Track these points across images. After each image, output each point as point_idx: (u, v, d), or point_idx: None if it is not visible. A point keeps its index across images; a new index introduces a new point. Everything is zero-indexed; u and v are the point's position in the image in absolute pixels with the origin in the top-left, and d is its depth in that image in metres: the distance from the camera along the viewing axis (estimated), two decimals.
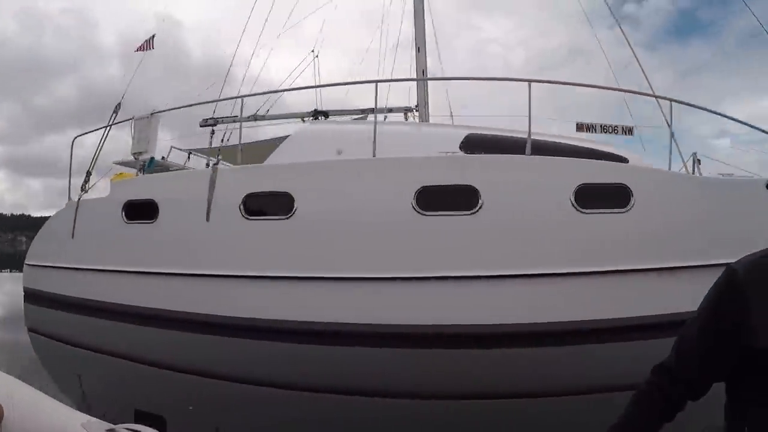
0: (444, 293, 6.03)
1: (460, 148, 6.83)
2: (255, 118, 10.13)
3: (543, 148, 6.53)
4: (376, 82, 7.65)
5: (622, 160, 6.80)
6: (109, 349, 6.36)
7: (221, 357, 5.76)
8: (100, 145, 8.28)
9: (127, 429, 0.92)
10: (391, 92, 9.62)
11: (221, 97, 9.30)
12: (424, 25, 9.77)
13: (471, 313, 5.95)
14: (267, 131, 10.14)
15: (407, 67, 9.97)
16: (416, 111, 9.70)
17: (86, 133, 8.85)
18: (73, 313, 8.01)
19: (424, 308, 6.01)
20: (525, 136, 6.55)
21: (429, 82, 9.80)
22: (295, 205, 6.48)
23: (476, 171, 6.19)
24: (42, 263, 8.65)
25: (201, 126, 10.19)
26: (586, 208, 6.12)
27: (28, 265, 9.01)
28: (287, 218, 6.52)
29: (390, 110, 9.85)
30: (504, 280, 6.01)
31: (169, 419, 3.90)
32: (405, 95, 10.04)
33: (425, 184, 6.17)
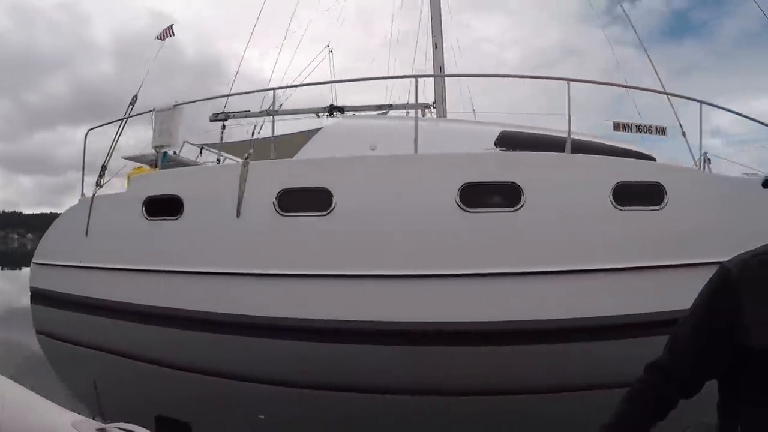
0: (487, 290, 6.04)
1: (495, 145, 6.85)
2: (269, 113, 9.92)
3: (578, 147, 6.61)
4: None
5: (650, 158, 6.96)
6: (127, 352, 6.15)
7: (251, 359, 5.58)
8: (116, 138, 7.96)
9: (119, 428, 0.90)
10: (394, 89, 9.65)
11: (236, 92, 9.05)
12: (441, 22, 9.76)
13: (513, 309, 5.98)
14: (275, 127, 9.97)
15: (403, 63, 9.91)
16: (433, 108, 9.71)
17: (100, 126, 8.47)
18: (87, 314, 7.67)
19: (468, 305, 6.00)
20: (553, 133, 6.59)
21: (437, 79, 9.78)
22: (334, 201, 6.37)
23: (519, 168, 6.22)
24: (52, 262, 8.25)
25: (211, 120, 9.92)
26: (624, 206, 6.24)
27: (37, 264, 8.57)
28: (326, 214, 6.40)
29: (407, 107, 9.83)
30: (546, 276, 6.06)
31: (195, 425, 3.77)
32: (402, 92, 10.08)
33: (469, 181, 6.16)
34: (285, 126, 9.65)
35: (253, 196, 6.67)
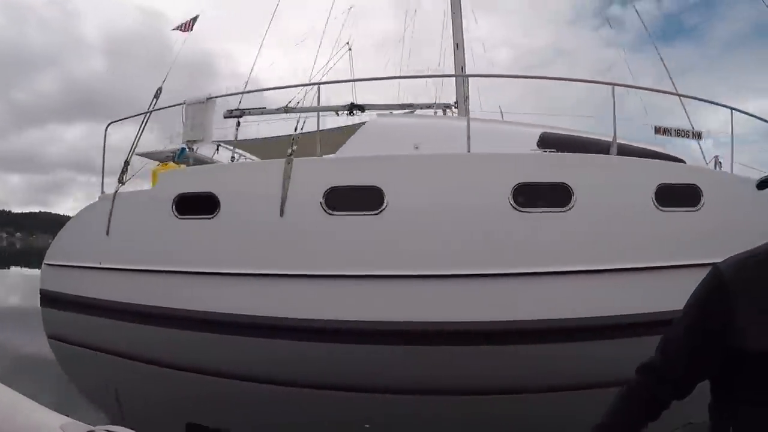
0: (540, 288, 6.12)
1: (537, 145, 6.94)
2: (286, 110, 9.70)
3: (618, 150, 6.79)
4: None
5: (680, 161, 7.24)
6: (152, 358, 5.88)
7: (296, 363, 5.41)
8: (140, 132, 7.54)
9: (107, 431, 0.92)
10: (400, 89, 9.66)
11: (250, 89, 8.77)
12: (461, 23, 9.80)
13: (566, 307, 6.09)
14: (280, 126, 9.79)
15: (394, 64, 9.91)
16: (455, 107, 9.74)
17: (122, 119, 8.00)
18: (107, 318, 7.26)
19: (522, 303, 6.06)
20: (586, 135, 6.74)
21: (459, 79, 9.83)
22: (386, 200, 6.28)
23: (569, 169, 6.33)
24: (67, 263, 7.75)
25: (225, 117, 9.61)
26: (665, 206, 6.46)
27: (49, 265, 8.02)
28: (377, 213, 6.31)
29: (429, 106, 9.83)
30: (597, 274, 6.20)
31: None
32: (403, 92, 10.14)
33: (522, 181, 6.22)
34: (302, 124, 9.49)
35: (298, 194, 6.49)
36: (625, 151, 6.87)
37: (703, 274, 1.09)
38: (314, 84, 8.07)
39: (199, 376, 5.11)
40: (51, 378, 4.95)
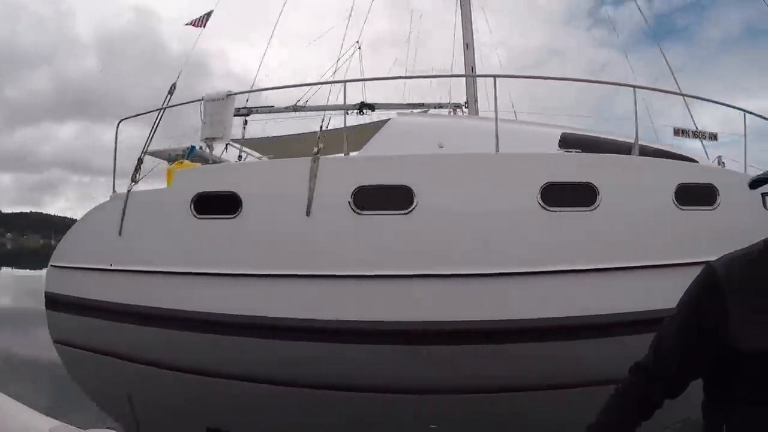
0: (568, 285, 6.20)
1: (559, 146, 7.03)
2: (294, 108, 9.56)
3: (627, 149, 6.94)
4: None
5: (693, 161, 7.46)
6: (167, 362, 5.73)
7: (319, 365, 5.31)
8: (153, 129, 7.28)
9: None
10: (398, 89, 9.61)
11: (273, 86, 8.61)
12: (471, 24, 9.85)
13: (593, 304, 6.19)
14: (287, 125, 9.67)
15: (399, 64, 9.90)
16: (465, 107, 9.79)
17: (134, 116, 7.70)
18: (121, 321, 7.00)
19: (550, 301, 6.13)
20: (604, 136, 6.87)
21: (469, 79, 9.86)
22: (416, 200, 6.25)
23: (594, 169, 6.43)
24: (75, 265, 7.43)
25: (233, 116, 9.41)
26: (684, 206, 6.64)
27: (55, 267, 7.68)
28: (407, 213, 6.27)
29: (440, 105, 9.85)
30: (620, 272, 6.32)
31: None
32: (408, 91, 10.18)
33: (550, 181, 6.29)
34: (306, 123, 9.39)
35: (325, 193, 6.40)
36: (644, 151, 7.03)
37: None
38: (336, 82, 8.00)
39: (221, 381, 4.94)
40: (53, 381, 4.79)
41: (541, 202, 6.27)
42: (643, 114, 8.26)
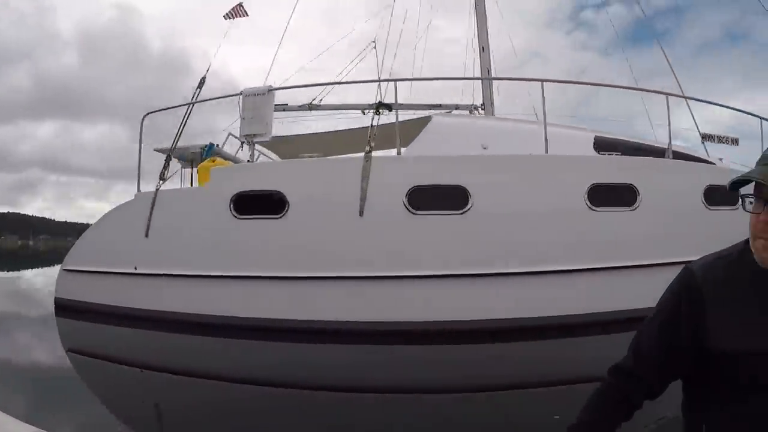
0: (613, 282, 6.43)
1: (594, 149, 7.28)
2: (310, 107, 9.31)
3: (657, 152, 7.31)
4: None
5: (711, 163, 7.95)
6: (203, 371, 5.43)
7: (384, 370, 5.19)
8: (182, 124, 6.81)
9: None
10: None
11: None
12: (486, 26, 9.98)
13: (636, 300, 6.45)
14: (295, 124, 9.42)
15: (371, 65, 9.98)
16: (481, 109, 9.90)
17: (159, 110, 7.14)
18: (148, 329, 6.50)
19: (602, 297, 6.32)
20: (633, 139, 7.21)
21: (485, 82, 9.91)
22: (471, 200, 6.25)
23: (634, 171, 6.71)
24: (93, 269, 6.80)
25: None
26: (712, 206, 7.07)
27: (68, 271, 6.98)
28: (462, 213, 6.26)
29: (457, 107, 9.90)
30: (661, 268, 6.63)
31: None
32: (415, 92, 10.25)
33: (596, 182, 6.50)
34: (322, 123, 9.18)
35: (379, 193, 6.26)
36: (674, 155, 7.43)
37: None
38: (369, 81, 7.85)
39: (272, 390, 4.74)
40: (77, 396, 4.38)
41: (588, 202, 6.47)
42: (644, 114, 8.75)
